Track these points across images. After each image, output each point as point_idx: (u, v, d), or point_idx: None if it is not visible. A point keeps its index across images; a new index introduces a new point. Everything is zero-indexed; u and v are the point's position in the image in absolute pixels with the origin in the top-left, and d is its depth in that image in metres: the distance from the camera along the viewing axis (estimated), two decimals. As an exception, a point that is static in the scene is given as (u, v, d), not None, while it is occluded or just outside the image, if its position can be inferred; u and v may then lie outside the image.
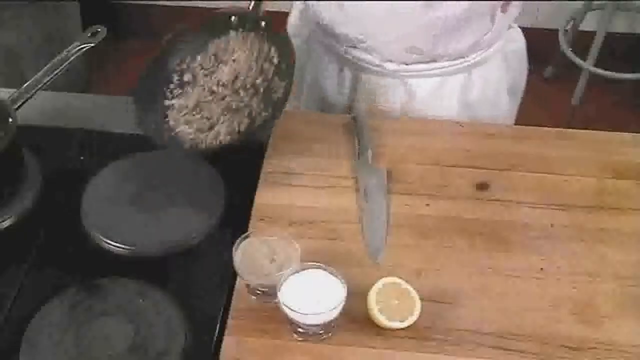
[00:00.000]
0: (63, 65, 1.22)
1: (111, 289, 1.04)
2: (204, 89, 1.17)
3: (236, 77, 1.16)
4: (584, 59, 2.57)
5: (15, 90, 1.19)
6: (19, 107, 1.17)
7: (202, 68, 1.18)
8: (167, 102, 1.17)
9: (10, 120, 1.14)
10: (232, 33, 1.18)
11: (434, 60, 1.31)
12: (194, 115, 1.16)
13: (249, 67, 1.17)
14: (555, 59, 2.73)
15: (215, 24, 1.20)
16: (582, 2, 2.63)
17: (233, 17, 1.18)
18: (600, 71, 2.56)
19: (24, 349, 0.97)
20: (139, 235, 1.12)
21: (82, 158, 1.24)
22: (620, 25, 2.73)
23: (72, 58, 1.24)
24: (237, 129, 1.14)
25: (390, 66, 1.32)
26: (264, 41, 1.18)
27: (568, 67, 2.64)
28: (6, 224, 1.14)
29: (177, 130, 1.15)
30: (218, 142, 1.14)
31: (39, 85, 1.20)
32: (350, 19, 1.28)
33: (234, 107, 1.15)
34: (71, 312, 1.01)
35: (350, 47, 1.33)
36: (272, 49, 1.17)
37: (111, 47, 2.58)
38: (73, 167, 1.23)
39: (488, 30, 1.28)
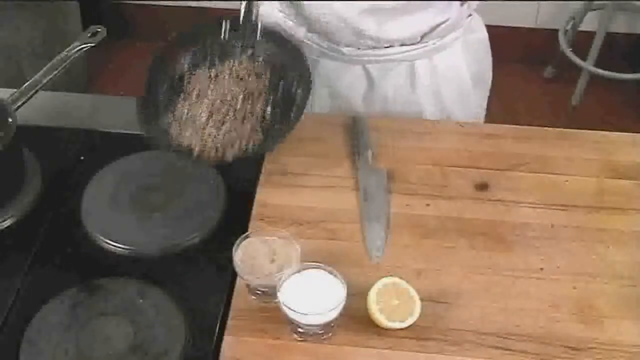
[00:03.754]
0: (63, 65, 1.22)
1: (111, 289, 1.04)
2: (214, 100, 1.16)
3: (245, 98, 1.16)
4: (584, 59, 2.57)
5: (15, 90, 1.19)
6: (19, 107, 1.17)
7: (210, 80, 1.18)
8: (174, 110, 1.16)
9: (10, 120, 1.14)
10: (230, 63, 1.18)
11: (391, 46, 1.30)
12: (205, 128, 1.14)
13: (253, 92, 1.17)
14: (555, 59, 2.73)
15: (210, 28, 1.20)
16: (582, 2, 2.63)
17: (224, 22, 1.19)
18: (600, 71, 2.56)
19: (24, 349, 0.97)
20: (139, 235, 1.12)
21: (82, 158, 1.24)
22: (620, 25, 2.73)
23: (72, 58, 1.24)
24: (246, 144, 1.13)
25: (347, 50, 1.31)
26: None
27: (568, 67, 2.64)
28: (6, 224, 1.14)
29: (182, 139, 1.13)
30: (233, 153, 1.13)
31: (39, 85, 1.20)
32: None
33: (244, 122, 1.14)
34: (71, 312, 1.01)
35: (311, 32, 1.33)
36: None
37: (111, 47, 2.58)
38: (73, 167, 1.23)
39: (445, 18, 1.27)
